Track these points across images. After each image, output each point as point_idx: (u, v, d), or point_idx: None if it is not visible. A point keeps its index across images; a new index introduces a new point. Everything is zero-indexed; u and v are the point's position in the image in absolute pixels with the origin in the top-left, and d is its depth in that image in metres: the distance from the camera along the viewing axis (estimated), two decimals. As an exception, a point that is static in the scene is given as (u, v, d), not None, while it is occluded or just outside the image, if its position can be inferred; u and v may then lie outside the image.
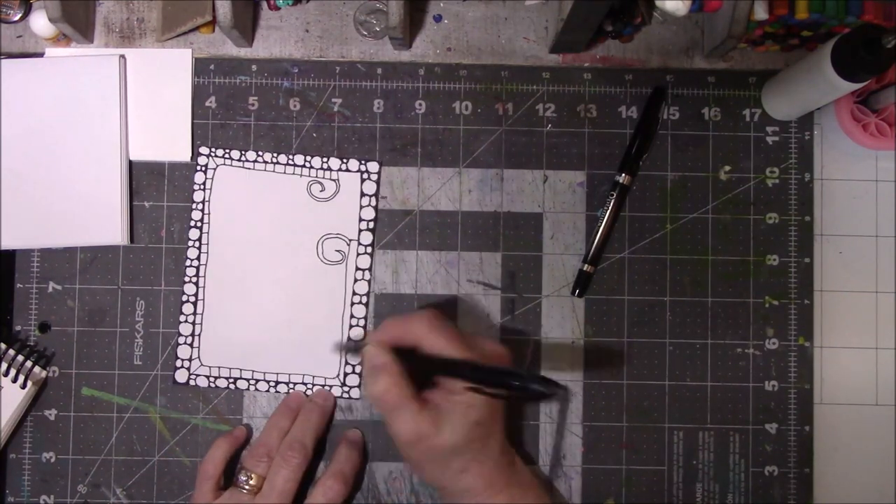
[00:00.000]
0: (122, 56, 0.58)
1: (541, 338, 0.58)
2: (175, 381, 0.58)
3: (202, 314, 0.58)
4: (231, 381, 0.58)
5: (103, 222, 0.57)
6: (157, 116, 0.59)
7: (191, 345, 0.58)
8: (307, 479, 0.55)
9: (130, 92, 0.59)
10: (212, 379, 0.58)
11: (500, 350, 0.52)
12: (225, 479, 0.55)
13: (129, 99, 0.59)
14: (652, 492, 0.58)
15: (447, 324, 0.50)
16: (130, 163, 0.59)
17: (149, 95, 0.59)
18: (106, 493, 0.57)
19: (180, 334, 0.58)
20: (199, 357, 0.58)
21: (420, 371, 0.50)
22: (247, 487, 0.53)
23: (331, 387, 0.58)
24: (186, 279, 0.58)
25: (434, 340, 0.49)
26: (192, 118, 0.59)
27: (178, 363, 0.58)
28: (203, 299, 0.58)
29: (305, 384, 0.58)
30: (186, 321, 0.58)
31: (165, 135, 0.59)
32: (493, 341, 0.53)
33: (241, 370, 0.58)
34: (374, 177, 0.59)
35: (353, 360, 0.57)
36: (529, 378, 0.43)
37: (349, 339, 0.58)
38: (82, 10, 0.57)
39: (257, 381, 0.58)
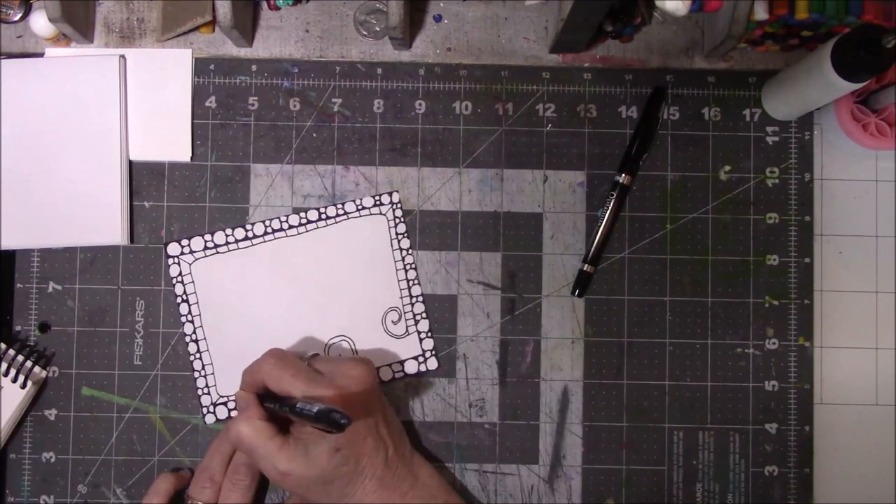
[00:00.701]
0: (122, 56, 0.58)
1: (541, 338, 0.58)
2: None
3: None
4: None
5: (103, 222, 0.57)
6: (157, 116, 0.59)
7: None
8: (259, 501, 0.55)
9: (130, 92, 0.59)
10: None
11: (355, 373, 0.50)
12: None
13: (129, 99, 0.59)
14: (652, 492, 0.58)
15: (290, 361, 0.50)
16: (130, 163, 0.59)
17: (149, 95, 0.59)
18: (106, 493, 0.57)
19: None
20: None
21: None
22: None
23: None
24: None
25: (276, 380, 0.49)
26: (192, 118, 0.59)
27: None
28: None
29: None
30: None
31: (165, 135, 0.59)
32: (354, 364, 0.51)
33: None
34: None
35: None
36: (315, 417, 0.43)
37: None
38: (82, 10, 0.57)
39: None
